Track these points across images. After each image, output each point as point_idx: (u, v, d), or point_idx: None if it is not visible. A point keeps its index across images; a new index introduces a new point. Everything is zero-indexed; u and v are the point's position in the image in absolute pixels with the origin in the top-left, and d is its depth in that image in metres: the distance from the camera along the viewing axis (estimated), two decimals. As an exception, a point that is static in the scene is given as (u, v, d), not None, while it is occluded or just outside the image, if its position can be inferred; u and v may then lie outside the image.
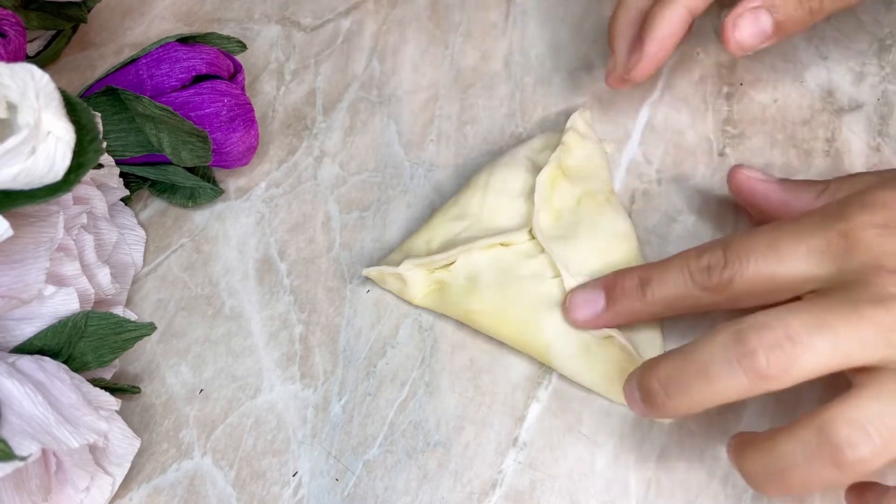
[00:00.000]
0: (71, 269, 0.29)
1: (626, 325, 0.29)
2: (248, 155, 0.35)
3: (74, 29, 0.42)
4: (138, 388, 0.31)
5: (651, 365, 0.26)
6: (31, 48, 0.40)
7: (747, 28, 0.30)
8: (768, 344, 0.23)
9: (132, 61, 0.34)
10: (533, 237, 0.31)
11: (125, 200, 0.35)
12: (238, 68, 0.36)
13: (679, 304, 0.27)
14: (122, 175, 0.34)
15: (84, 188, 0.32)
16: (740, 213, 0.33)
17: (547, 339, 0.29)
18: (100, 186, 0.33)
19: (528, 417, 0.30)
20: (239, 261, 0.34)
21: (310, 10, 0.43)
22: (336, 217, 0.35)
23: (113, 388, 0.29)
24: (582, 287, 0.30)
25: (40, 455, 0.24)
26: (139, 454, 0.29)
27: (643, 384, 0.25)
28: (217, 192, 0.35)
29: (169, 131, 0.32)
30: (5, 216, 0.23)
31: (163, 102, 0.32)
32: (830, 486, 0.24)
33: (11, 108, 0.23)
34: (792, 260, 0.25)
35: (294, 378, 0.31)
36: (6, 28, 0.33)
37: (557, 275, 0.30)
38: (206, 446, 0.30)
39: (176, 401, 0.31)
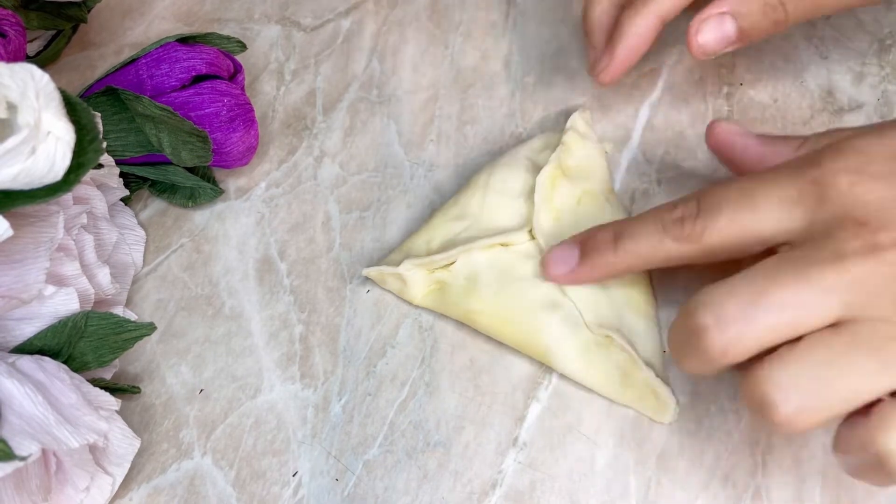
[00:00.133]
0: (71, 269, 0.29)
1: (601, 280, 0.29)
2: (248, 155, 0.35)
3: (74, 29, 0.42)
4: (138, 388, 0.31)
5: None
6: (31, 48, 0.40)
7: (710, 33, 0.30)
8: (711, 322, 0.23)
9: (132, 61, 0.34)
10: (533, 237, 0.31)
11: (125, 200, 0.35)
12: (238, 68, 0.36)
13: (652, 257, 0.27)
14: (122, 175, 0.34)
15: (84, 188, 0.32)
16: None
17: (547, 340, 0.29)
18: (100, 186, 0.33)
19: (528, 417, 0.30)
20: (239, 261, 0.34)
21: (310, 10, 0.43)
22: (336, 217, 0.35)
23: (113, 388, 0.29)
24: (557, 244, 0.30)
25: (40, 455, 0.24)
26: (139, 454, 0.29)
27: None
28: (217, 192, 0.35)
29: (169, 131, 0.32)
30: (5, 216, 0.23)
31: (163, 102, 0.32)
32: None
33: (11, 108, 0.23)
34: (765, 210, 0.24)
35: (294, 378, 0.31)
36: (6, 28, 0.33)
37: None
38: (206, 446, 0.30)
39: (176, 401, 0.31)
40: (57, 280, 0.28)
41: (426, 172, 0.36)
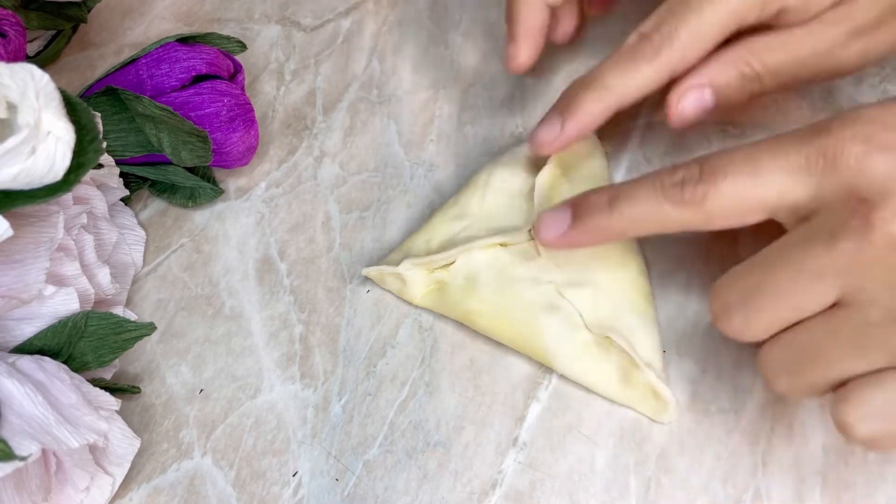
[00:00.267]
0: (71, 269, 0.29)
1: (593, 245, 0.28)
2: (248, 155, 0.35)
3: (74, 29, 0.42)
4: (138, 388, 0.31)
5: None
6: (31, 48, 0.40)
7: (690, 104, 0.30)
8: (719, 311, 0.25)
9: (132, 61, 0.34)
10: (533, 237, 0.31)
11: (125, 200, 0.35)
12: (238, 68, 0.36)
13: (648, 222, 0.26)
14: (122, 175, 0.34)
15: (84, 188, 0.32)
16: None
17: (546, 340, 0.29)
18: (100, 186, 0.33)
19: (528, 417, 0.30)
20: (239, 261, 0.34)
21: (310, 10, 0.43)
22: (336, 217, 0.35)
23: (113, 388, 0.29)
24: (550, 208, 0.29)
25: (40, 455, 0.24)
26: (139, 454, 0.29)
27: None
28: (217, 192, 0.35)
29: (169, 131, 0.32)
30: (5, 216, 0.23)
31: (163, 102, 0.32)
32: None
33: (11, 108, 0.23)
34: (769, 176, 0.24)
35: (294, 378, 0.31)
36: (6, 28, 0.33)
37: (557, 275, 0.30)
38: (206, 446, 0.30)
39: (176, 401, 0.31)
40: (57, 280, 0.28)
41: (426, 172, 0.36)
